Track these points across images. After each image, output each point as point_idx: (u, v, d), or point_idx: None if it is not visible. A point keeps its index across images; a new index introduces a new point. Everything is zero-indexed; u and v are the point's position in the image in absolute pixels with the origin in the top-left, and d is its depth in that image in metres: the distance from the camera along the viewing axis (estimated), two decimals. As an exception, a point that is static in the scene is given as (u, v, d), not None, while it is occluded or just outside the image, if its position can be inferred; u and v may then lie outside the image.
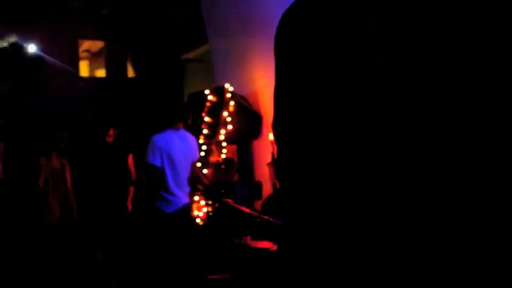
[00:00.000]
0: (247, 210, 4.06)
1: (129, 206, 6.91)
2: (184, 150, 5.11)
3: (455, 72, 0.78)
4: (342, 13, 0.84)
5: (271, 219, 3.78)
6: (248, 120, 6.39)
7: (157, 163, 4.90)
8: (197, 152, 5.41)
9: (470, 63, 0.79)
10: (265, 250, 3.89)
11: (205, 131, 6.53)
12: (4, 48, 11.11)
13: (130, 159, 6.94)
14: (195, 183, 5.36)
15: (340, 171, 0.82)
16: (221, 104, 6.47)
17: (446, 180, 0.78)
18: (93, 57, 11.95)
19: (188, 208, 5.26)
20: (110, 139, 6.83)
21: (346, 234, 0.82)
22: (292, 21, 0.91)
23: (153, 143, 4.96)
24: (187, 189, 5.16)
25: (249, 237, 4.19)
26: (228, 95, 6.43)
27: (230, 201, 4.33)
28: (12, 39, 10.45)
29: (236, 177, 6.44)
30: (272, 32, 0.96)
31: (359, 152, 0.81)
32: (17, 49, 9.64)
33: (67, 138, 6.48)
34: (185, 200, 5.11)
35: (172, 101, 6.78)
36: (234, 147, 6.75)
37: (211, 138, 6.48)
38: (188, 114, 5.90)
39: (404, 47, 0.79)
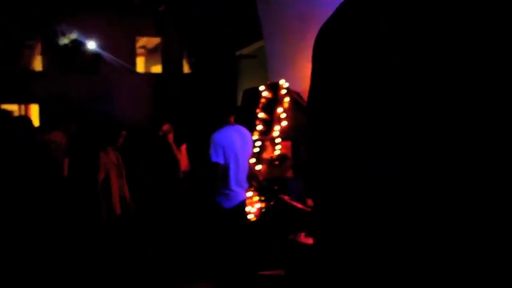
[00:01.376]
0: (302, 206, 4.04)
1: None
2: (243, 145, 5.17)
3: (466, 72, 0.76)
4: (352, 12, 0.86)
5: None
6: (303, 116, 6.35)
7: (221, 161, 4.97)
8: (251, 147, 5.44)
9: (482, 63, 0.77)
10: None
11: (259, 127, 6.54)
12: (65, 45, 11.47)
13: (183, 149, 7.05)
14: (251, 179, 5.40)
15: (348, 172, 0.82)
16: (276, 100, 6.47)
17: (453, 181, 0.76)
18: (150, 54, 12.18)
19: (244, 204, 5.30)
20: (162, 134, 6.95)
21: (353, 237, 0.82)
22: (323, 33, 0.93)
23: (215, 140, 5.02)
24: (245, 185, 5.20)
25: (303, 234, 4.17)
26: (283, 91, 6.41)
27: (286, 197, 4.33)
28: (73, 35, 10.79)
29: (290, 173, 6.43)
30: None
31: (365, 152, 0.80)
32: (77, 45, 9.94)
33: (125, 135, 6.63)
34: (243, 196, 5.15)
35: (226, 96, 6.84)
36: (288, 143, 6.74)
37: (266, 134, 6.49)
38: (239, 109, 5.94)
39: (415, 45, 0.79)
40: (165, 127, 6.95)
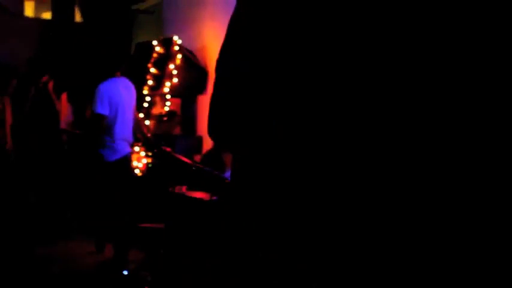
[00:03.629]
0: (184, 159, 4.10)
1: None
2: (129, 98, 5.09)
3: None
4: None
5: (207, 169, 3.84)
6: (194, 74, 6.37)
7: (106, 112, 4.85)
8: (135, 100, 5.35)
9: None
10: (199, 200, 3.95)
11: (150, 82, 6.48)
12: None
13: (63, 99, 6.80)
14: (137, 131, 5.35)
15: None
16: (168, 56, 6.42)
17: None
18: (40, -1, 11.50)
19: (129, 157, 5.25)
20: (42, 85, 6.66)
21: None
22: None
23: (101, 91, 4.88)
24: (130, 139, 5.14)
25: (184, 187, 4.24)
26: (176, 48, 6.37)
27: (169, 149, 4.36)
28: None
29: (178, 130, 6.45)
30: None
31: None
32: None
33: (15, 84, 6.31)
34: (128, 149, 5.09)
35: (119, 50, 6.66)
36: (178, 100, 6.74)
37: (156, 89, 6.44)
38: (131, 62, 5.82)
39: None
40: (44, 78, 6.65)
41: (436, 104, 0.85)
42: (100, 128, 4.91)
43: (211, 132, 1.06)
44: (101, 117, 4.86)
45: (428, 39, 0.85)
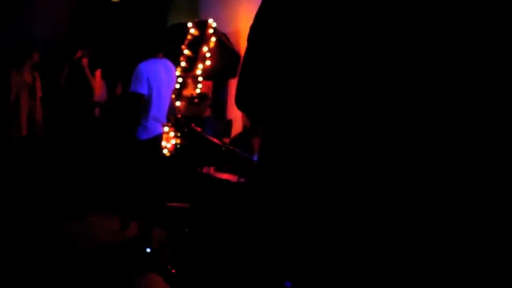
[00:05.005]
0: (215, 140, 4.10)
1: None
2: (168, 80, 5.10)
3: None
4: None
5: (237, 150, 3.83)
6: (227, 58, 6.35)
7: (144, 91, 4.86)
8: (175, 82, 5.38)
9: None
10: (226, 181, 3.95)
11: (183, 64, 6.49)
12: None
13: (98, 75, 6.86)
14: (169, 114, 5.37)
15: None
16: (202, 38, 6.42)
17: None
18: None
19: (161, 138, 5.28)
20: (76, 60, 6.72)
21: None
22: None
23: (140, 71, 4.89)
24: (164, 120, 5.16)
25: (212, 168, 4.25)
26: (210, 31, 6.37)
27: (199, 129, 4.36)
28: None
29: (208, 113, 6.46)
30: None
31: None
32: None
33: (39, 55, 6.37)
34: (160, 130, 5.12)
35: (157, 30, 6.68)
36: (209, 83, 6.74)
37: (188, 71, 6.45)
38: (169, 45, 5.83)
39: None
40: (79, 53, 6.71)
41: (436, 104, 0.85)
42: (135, 107, 4.92)
43: (237, 102, 1.21)
44: (138, 96, 4.86)
45: (429, 41, 0.85)
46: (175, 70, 5.48)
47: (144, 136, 4.96)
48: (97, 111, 6.88)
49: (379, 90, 0.88)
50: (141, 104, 4.87)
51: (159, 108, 4.98)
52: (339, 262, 0.91)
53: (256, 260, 0.99)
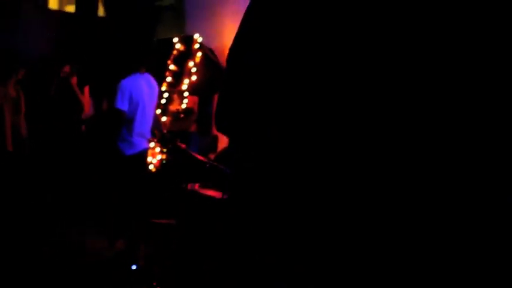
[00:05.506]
0: (199, 156, 4.10)
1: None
2: (151, 95, 5.12)
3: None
4: None
5: (221, 166, 3.82)
6: (213, 73, 6.36)
7: (125, 108, 4.88)
8: (157, 97, 5.40)
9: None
10: (211, 198, 3.94)
11: (168, 79, 6.49)
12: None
13: (86, 92, 6.84)
14: (154, 129, 5.38)
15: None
16: (188, 53, 6.43)
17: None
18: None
19: (146, 153, 5.27)
20: (64, 75, 6.68)
21: None
22: None
23: (123, 87, 4.92)
24: (148, 135, 5.16)
25: (197, 185, 4.24)
26: (196, 46, 6.38)
27: (183, 146, 4.36)
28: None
29: (194, 128, 6.46)
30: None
31: None
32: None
33: (24, 73, 6.34)
34: (145, 145, 5.12)
35: (141, 46, 6.70)
36: (195, 98, 6.74)
37: (174, 86, 6.45)
38: (151, 60, 5.86)
39: None
40: (66, 68, 6.69)
41: (435, 105, 0.84)
42: (118, 123, 4.94)
43: (218, 124, 1.10)
44: (120, 112, 4.89)
45: (428, 42, 0.85)
46: (158, 85, 5.49)
47: (130, 151, 4.96)
48: (83, 127, 6.86)
49: (384, 94, 0.87)
50: (124, 120, 4.88)
51: (143, 124, 4.99)
52: (336, 264, 0.90)
53: (253, 263, 0.98)
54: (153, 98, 5.16)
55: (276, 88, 0.96)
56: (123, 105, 4.89)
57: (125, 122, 4.94)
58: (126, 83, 4.95)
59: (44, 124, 6.61)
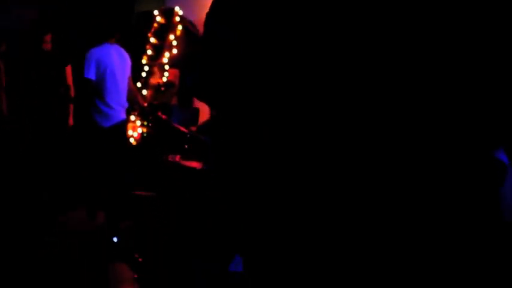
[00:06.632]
0: (180, 127, 4.09)
1: (70, 121, 6.70)
2: (122, 65, 5.04)
3: None
4: None
5: (202, 137, 3.82)
6: (194, 46, 6.31)
7: (92, 76, 4.82)
8: (130, 68, 5.29)
9: None
10: (192, 169, 3.94)
11: (149, 52, 6.44)
12: None
13: (69, 71, 6.74)
14: (133, 101, 5.32)
15: None
16: (169, 26, 6.37)
17: None
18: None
19: (124, 124, 5.22)
20: (47, 46, 6.53)
21: None
22: None
23: (91, 56, 4.85)
24: (125, 104, 5.10)
25: (178, 156, 4.23)
26: (177, 19, 6.33)
27: (164, 117, 4.34)
28: None
29: (175, 101, 6.43)
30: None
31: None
32: None
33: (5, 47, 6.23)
34: (123, 115, 5.06)
35: (111, 17, 6.59)
36: (176, 71, 6.69)
37: (155, 59, 6.40)
38: (120, 30, 5.75)
39: None
40: (48, 37, 6.55)
41: (434, 105, 0.84)
42: (88, 93, 4.90)
43: (197, 92, 1.10)
44: (87, 81, 4.85)
45: (427, 40, 0.83)
46: (138, 58, 5.43)
47: (107, 123, 4.91)
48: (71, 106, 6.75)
49: (378, 89, 0.85)
50: (93, 89, 4.83)
51: (115, 93, 4.92)
52: (333, 265, 0.89)
53: (250, 263, 0.96)
54: (125, 69, 5.07)
55: (252, 67, 0.94)
56: (89, 73, 4.83)
57: (94, 91, 4.87)
58: (94, 51, 4.89)
59: (27, 100, 6.50)
